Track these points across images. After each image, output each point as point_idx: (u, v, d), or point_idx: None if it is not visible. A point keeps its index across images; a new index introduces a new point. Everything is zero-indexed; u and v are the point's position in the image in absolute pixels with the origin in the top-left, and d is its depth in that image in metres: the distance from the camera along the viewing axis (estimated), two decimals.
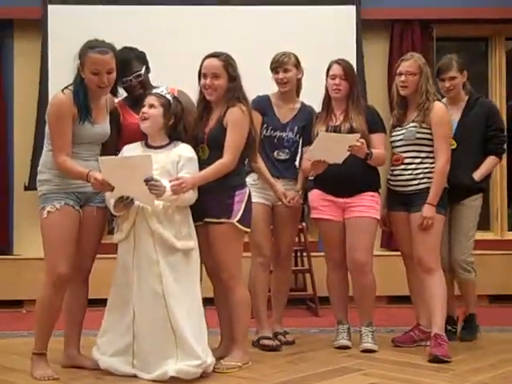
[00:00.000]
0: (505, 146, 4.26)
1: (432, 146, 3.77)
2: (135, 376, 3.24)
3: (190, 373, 3.17)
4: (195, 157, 3.39)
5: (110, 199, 3.26)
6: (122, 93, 3.63)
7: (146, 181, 3.09)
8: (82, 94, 3.26)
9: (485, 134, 4.10)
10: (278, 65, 3.91)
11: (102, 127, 3.37)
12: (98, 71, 3.23)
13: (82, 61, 3.25)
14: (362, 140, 3.68)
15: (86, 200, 3.33)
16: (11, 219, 5.64)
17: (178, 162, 3.32)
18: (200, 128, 3.47)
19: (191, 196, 3.30)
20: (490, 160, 4.13)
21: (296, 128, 3.95)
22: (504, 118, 5.90)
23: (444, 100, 4.04)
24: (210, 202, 3.37)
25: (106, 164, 3.13)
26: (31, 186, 5.17)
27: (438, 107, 3.78)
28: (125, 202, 3.19)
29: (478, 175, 4.07)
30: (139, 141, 3.41)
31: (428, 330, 3.78)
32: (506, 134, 4.27)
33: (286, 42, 4.67)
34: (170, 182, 3.19)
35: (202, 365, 3.19)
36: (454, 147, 3.88)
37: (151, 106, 3.34)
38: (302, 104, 4.02)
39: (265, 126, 3.90)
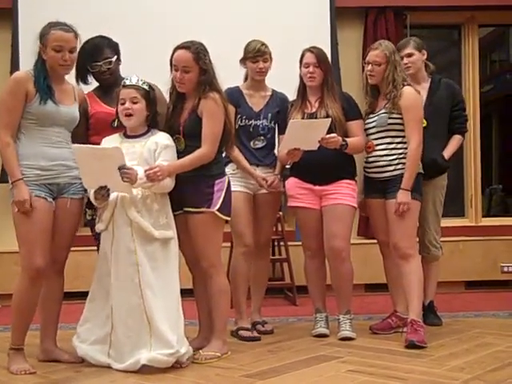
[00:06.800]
0: (467, 126, 4.34)
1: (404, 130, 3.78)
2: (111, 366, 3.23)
3: (162, 361, 3.15)
4: (172, 144, 3.36)
5: (91, 191, 3.24)
6: (92, 83, 3.60)
7: (119, 169, 3.08)
8: (43, 76, 3.23)
9: (450, 114, 4.18)
10: (259, 54, 3.87)
11: (69, 109, 3.32)
12: (61, 48, 3.21)
13: (45, 40, 3.23)
14: (334, 134, 3.68)
15: (59, 191, 3.29)
16: None
17: (155, 149, 3.29)
18: (175, 118, 3.44)
19: (168, 183, 3.28)
20: (457, 139, 4.24)
21: (270, 115, 3.94)
22: (478, 104, 5.98)
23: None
24: (189, 191, 3.35)
25: (78, 152, 3.15)
26: (2, 179, 5.08)
27: (407, 92, 3.76)
28: (101, 192, 3.17)
29: (447, 154, 4.17)
30: (106, 129, 3.37)
31: (405, 317, 3.81)
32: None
33: (259, 27, 4.69)
34: (146, 171, 3.17)
35: (175, 354, 3.17)
36: (424, 125, 3.90)
37: (133, 101, 3.29)
38: (273, 91, 4.02)
39: (239, 116, 3.88)
